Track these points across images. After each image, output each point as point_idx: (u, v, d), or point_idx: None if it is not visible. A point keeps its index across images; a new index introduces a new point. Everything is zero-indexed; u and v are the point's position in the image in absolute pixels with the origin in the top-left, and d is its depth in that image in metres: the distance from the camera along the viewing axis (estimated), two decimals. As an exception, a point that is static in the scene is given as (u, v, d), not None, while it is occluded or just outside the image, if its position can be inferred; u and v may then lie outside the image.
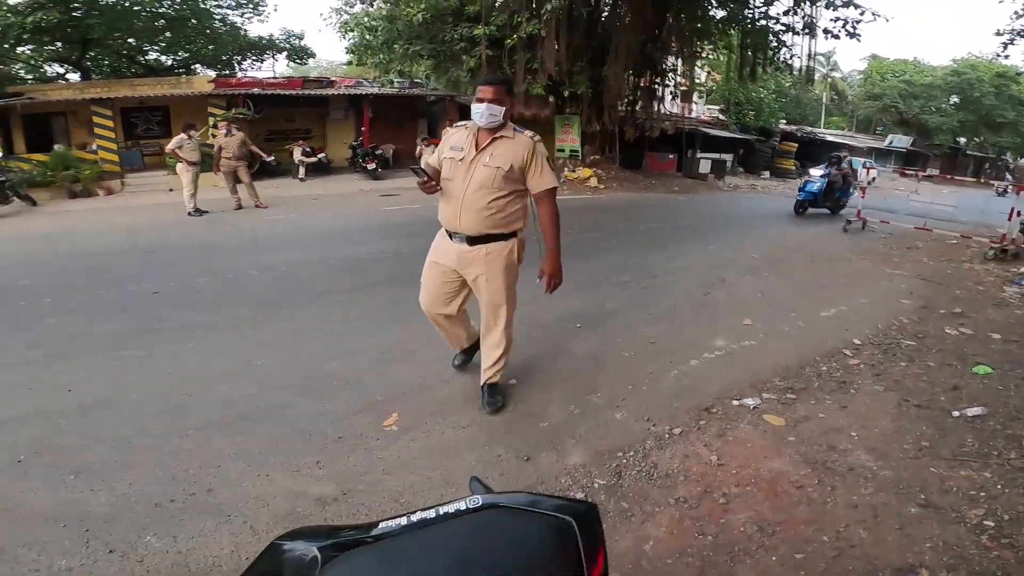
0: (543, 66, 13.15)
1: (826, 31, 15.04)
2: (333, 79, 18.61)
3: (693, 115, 23.47)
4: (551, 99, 16.08)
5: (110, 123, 14.73)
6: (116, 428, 2.79)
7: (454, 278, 2.83)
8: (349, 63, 13.54)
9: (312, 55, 25.10)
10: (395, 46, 12.93)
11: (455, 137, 2.71)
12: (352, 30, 12.97)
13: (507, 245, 2.73)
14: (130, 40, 20.17)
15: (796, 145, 25.83)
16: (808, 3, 14.87)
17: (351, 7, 13.20)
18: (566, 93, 14.87)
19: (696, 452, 2.66)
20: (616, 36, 14.12)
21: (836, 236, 8.85)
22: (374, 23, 12.90)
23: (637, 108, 17.23)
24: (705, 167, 19.99)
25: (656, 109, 17.52)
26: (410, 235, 7.65)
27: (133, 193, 13.42)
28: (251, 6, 22.02)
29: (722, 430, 2.87)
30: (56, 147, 14.39)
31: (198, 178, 10.04)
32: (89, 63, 19.87)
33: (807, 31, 15.24)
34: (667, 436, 2.80)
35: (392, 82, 15.35)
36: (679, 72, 17.99)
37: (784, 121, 29.78)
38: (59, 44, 18.09)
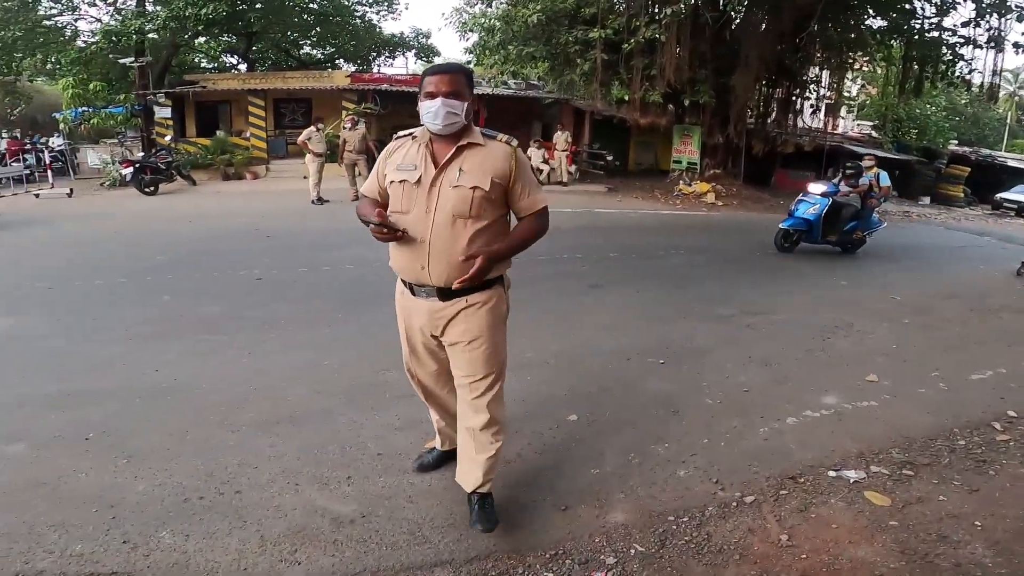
0: (662, 73, 12.62)
1: (1016, 45, 13.00)
2: None
3: (839, 131, 21.38)
4: (670, 108, 15.43)
5: (262, 112, 16.57)
6: (179, 414, 2.97)
7: (436, 344, 2.12)
8: (468, 63, 13.94)
9: (437, 53, 26.21)
10: (510, 47, 13.04)
11: (400, 152, 2.00)
12: (471, 30, 13.31)
13: (493, 294, 2.02)
14: (288, 34, 22.34)
15: (968, 170, 22.49)
16: (995, 15, 12.93)
17: (471, 6, 13.53)
18: (686, 102, 14.18)
19: (764, 527, 2.27)
20: (748, 44, 13.23)
21: (1008, 282, 7.50)
22: (492, 23, 13.10)
23: (769, 121, 16.02)
24: (846, 188, 18.04)
25: (792, 123, 16.18)
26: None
27: (274, 179, 14.90)
28: (385, 3, 23.39)
29: (805, 504, 2.44)
30: (218, 132, 16.33)
31: (323, 168, 10.85)
32: (254, 56, 22.35)
33: (992, 45, 13.26)
34: (734, 504, 2.43)
35: (506, 83, 15.56)
36: (824, 84, 16.45)
37: (955, 142, 26.20)
38: (229, 36, 20.34)
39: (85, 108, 19.96)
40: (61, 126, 20.53)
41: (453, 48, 46.07)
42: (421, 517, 2.23)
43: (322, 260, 6.49)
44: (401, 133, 2.06)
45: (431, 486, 2.43)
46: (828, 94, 16.99)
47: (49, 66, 19.73)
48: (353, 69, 21.54)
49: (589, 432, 2.96)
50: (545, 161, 14.20)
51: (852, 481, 2.61)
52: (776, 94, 15.90)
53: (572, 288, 5.67)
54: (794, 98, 15.97)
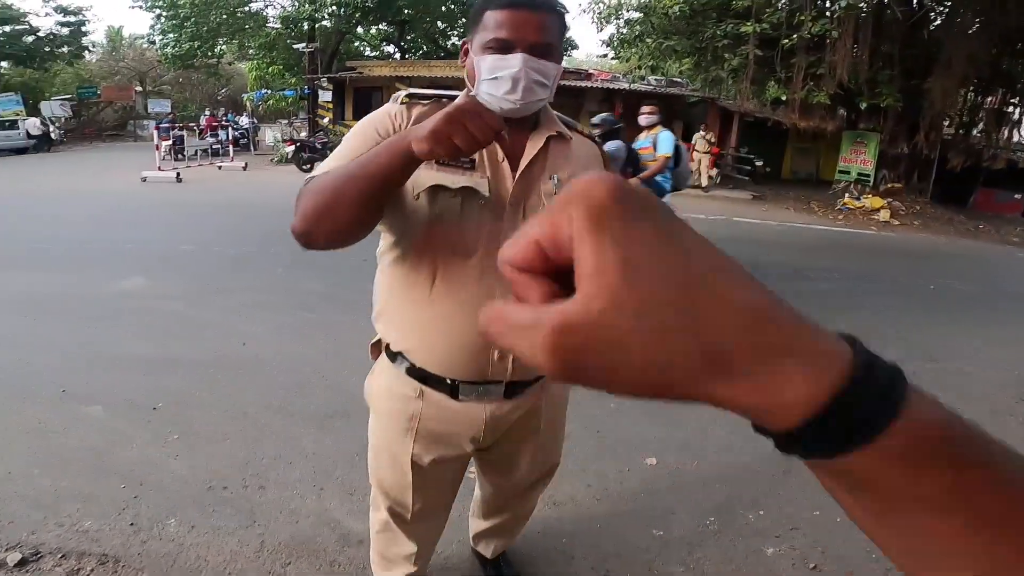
0: (832, 72, 11.17)
1: None
2: (591, 71, 18.91)
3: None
4: (839, 111, 13.71)
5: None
6: (244, 394, 3.03)
7: (461, 466, 1.42)
8: (604, 55, 13.55)
9: (575, 47, 26.35)
10: (648, 40, 12.36)
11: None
12: (607, 20, 12.85)
13: None
14: (436, 24, 23.67)
15: None
16: None
17: None
18: (863, 105, 12.45)
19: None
20: (953, 44, 11.26)
21: None
22: (630, 15, 12.54)
23: (974, 132, 13.64)
24: (1075, 217, 14.85)
25: (1006, 135, 13.66)
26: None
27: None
28: None
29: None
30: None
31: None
32: (407, 44, 23.99)
33: None
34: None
35: (643, 78, 14.81)
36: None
37: None
38: (386, 26, 21.92)
39: (266, 90, 22.68)
40: (247, 105, 23.51)
41: (591, 39, 45.57)
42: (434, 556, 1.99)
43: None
44: (414, 91, 1.21)
45: (460, 517, 2.19)
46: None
47: (243, 50, 22.68)
48: None
49: (666, 483, 2.53)
50: None
51: None
52: (987, 102, 13.50)
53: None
54: (1011, 108, 13.47)
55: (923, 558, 0.26)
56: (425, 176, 1.09)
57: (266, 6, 21.35)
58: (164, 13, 21.36)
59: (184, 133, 16.22)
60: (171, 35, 21.68)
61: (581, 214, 0.23)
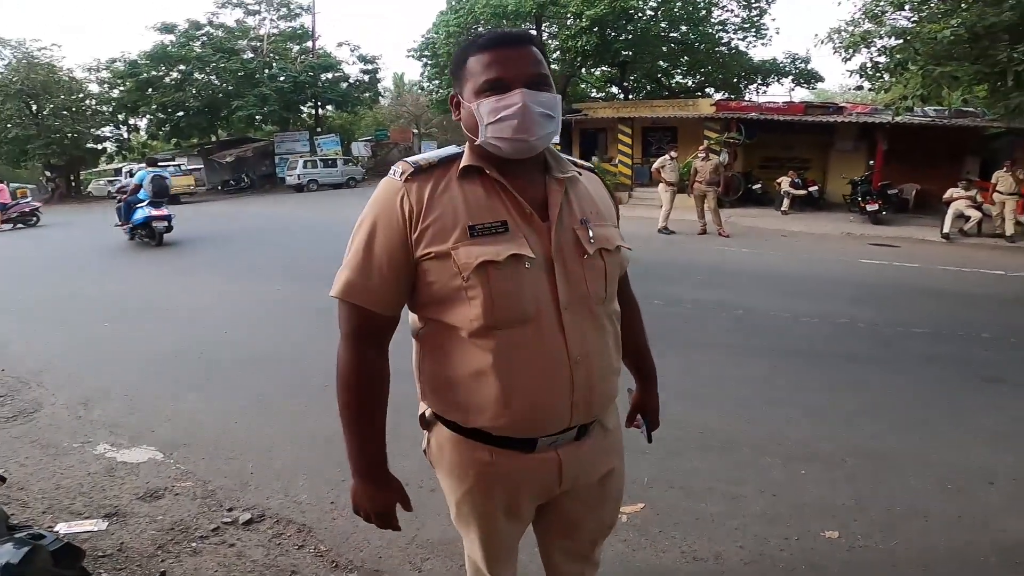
0: None
1: None
2: (842, 105, 17.29)
3: None
4: None
5: (628, 140, 18.11)
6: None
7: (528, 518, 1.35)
8: (859, 88, 11.98)
9: (820, 79, 24.67)
10: (911, 67, 10.70)
11: (443, 204, 1.13)
12: (857, 51, 11.42)
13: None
14: (660, 63, 24.12)
15: None
16: None
17: (857, 26, 11.59)
18: None
19: None
20: None
21: None
22: (885, 42, 11.04)
23: None
24: None
25: None
26: (869, 301, 6.35)
27: (635, 205, 16.02)
28: (752, 30, 23.28)
29: None
30: (593, 158, 18.46)
31: (674, 198, 11.09)
32: (629, 85, 24.80)
33: None
34: None
35: (911, 109, 12.71)
36: None
37: None
38: (608, 68, 22.90)
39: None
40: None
41: (835, 71, 41.35)
42: None
43: (638, 291, 6.54)
44: (414, 162, 1.17)
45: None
46: None
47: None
48: (719, 97, 21.58)
49: (841, 558, 2.20)
50: (977, 206, 11.10)
51: None
52: None
53: (953, 378, 4.28)
54: None
55: None
56: (467, 253, 1.09)
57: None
58: (429, 62, 25.19)
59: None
60: (435, 81, 25.52)
61: None
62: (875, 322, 5.49)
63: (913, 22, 11.14)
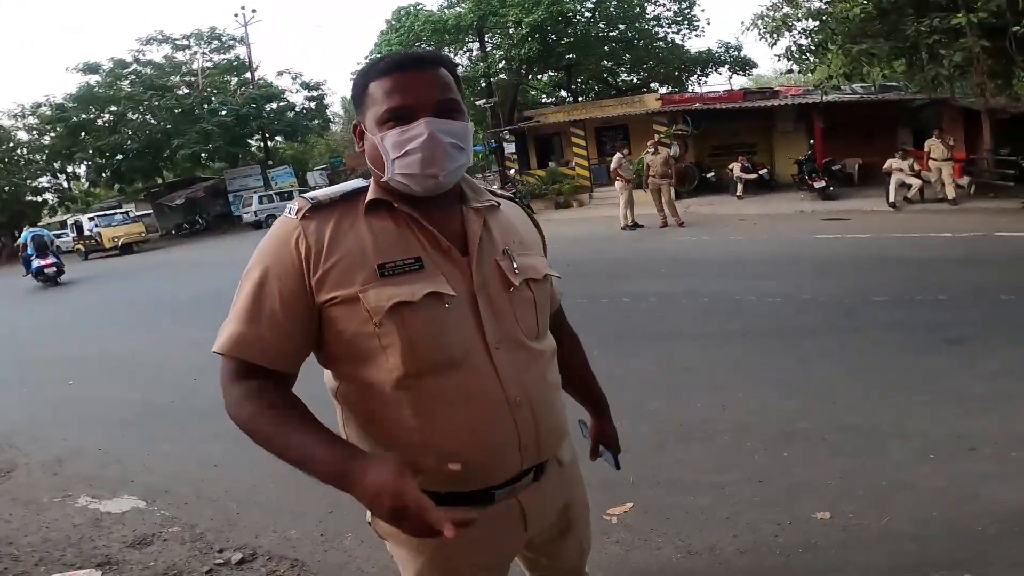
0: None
1: None
2: (777, 89, 17.96)
3: None
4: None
5: (582, 142, 18.40)
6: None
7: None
8: (789, 71, 12.44)
9: (754, 65, 25.37)
10: (832, 47, 11.19)
11: (348, 245, 1.01)
12: (780, 35, 11.86)
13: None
14: (604, 63, 24.42)
15: None
16: None
17: (775, 10, 12.05)
18: None
19: None
20: None
21: None
22: (804, 24, 11.53)
23: None
24: None
25: None
26: (828, 275, 6.47)
27: (595, 206, 16.22)
28: (685, 22, 23.88)
29: None
30: (550, 164, 18.61)
31: (631, 196, 11.22)
32: (577, 87, 25.10)
33: None
34: None
35: (838, 87, 13.25)
36: None
37: None
38: (552, 72, 23.26)
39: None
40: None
41: (766, 56, 42.96)
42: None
43: (603, 292, 6.53)
44: (312, 197, 1.06)
45: None
46: None
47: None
48: (664, 92, 22.06)
49: (836, 538, 2.17)
50: (916, 174, 11.55)
51: None
52: None
53: (918, 342, 4.34)
54: None
55: None
56: (377, 295, 0.97)
57: (454, 68, 24.65)
58: None
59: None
60: None
61: None
62: (836, 294, 5.59)
63: (826, 2, 11.46)
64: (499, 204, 1.16)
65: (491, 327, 1.03)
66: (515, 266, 1.08)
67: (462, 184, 1.11)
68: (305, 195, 1.06)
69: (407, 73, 1.00)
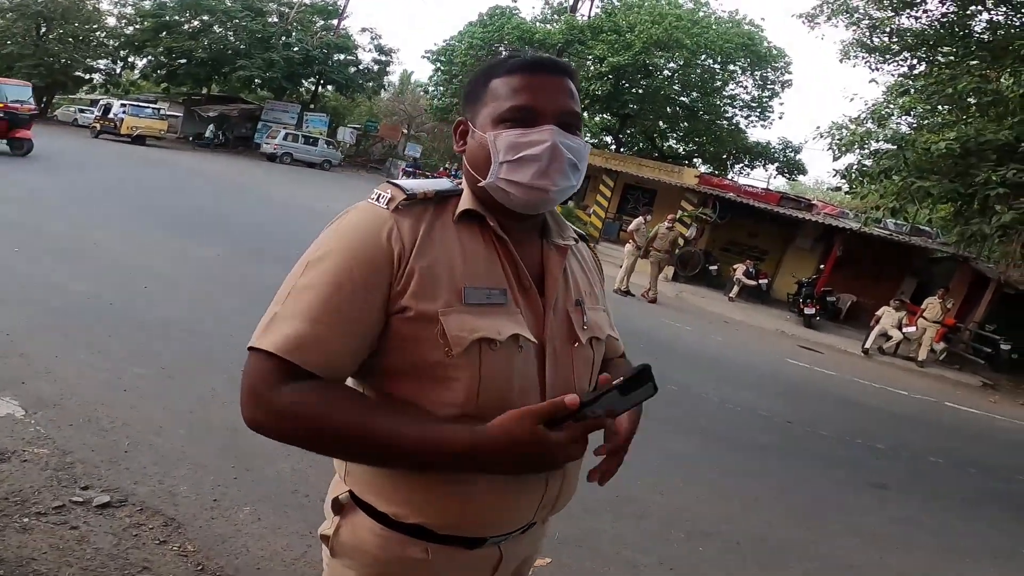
0: None
1: None
2: (813, 202, 17.14)
3: None
4: None
5: (608, 192, 18.25)
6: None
7: None
8: (837, 188, 11.62)
9: (803, 171, 24.80)
10: (895, 177, 10.48)
11: (436, 255, 0.90)
12: (850, 150, 11.12)
13: None
14: (659, 123, 24.30)
15: None
16: None
17: (857, 124, 11.08)
18: None
19: None
20: None
21: None
22: (879, 145, 10.80)
23: None
24: None
25: None
26: (789, 399, 6.82)
27: (596, 259, 16.08)
28: (759, 110, 23.43)
29: None
30: (570, 202, 18.69)
31: (636, 262, 11.43)
32: (624, 138, 25.00)
33: None
34: None
35: (879, 221, 12.51)
36: None
37: None
38: (607, 115, 23.31)
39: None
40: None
41: (821, 166, 42.04)
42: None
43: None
44: (406, 187, 0.92)
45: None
46: None
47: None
48: (703, 170, 21.75)
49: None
50: (900, 327, 11.74)
51: None
52: None
53: (846, 479, 4.73)
54: None
55: None
56: (459, 324, 0.86)
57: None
58: (442, 67, 25.09)
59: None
60: (441, 88, 25.44)
61: None
62: (790, 419, 5.93)
63: (913, 129, 10.79)
64: (576, 241, 1.09)
65: (551, 380, 0.95)
66: (585, 321, 1.00)
67: (547, 214, 1.02)
68: (398, 183, 0.93)
69: (537, 75, 0.93)
